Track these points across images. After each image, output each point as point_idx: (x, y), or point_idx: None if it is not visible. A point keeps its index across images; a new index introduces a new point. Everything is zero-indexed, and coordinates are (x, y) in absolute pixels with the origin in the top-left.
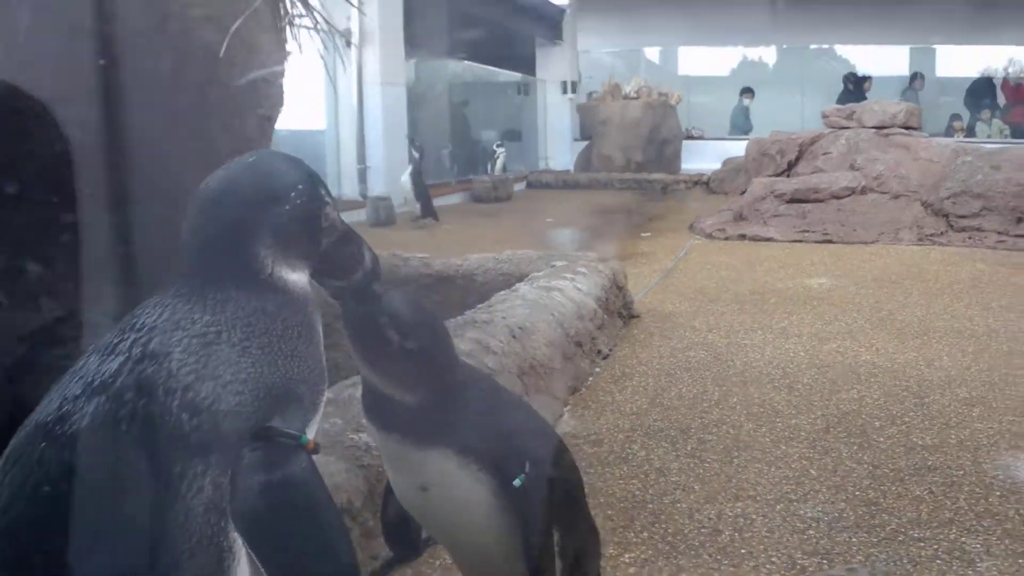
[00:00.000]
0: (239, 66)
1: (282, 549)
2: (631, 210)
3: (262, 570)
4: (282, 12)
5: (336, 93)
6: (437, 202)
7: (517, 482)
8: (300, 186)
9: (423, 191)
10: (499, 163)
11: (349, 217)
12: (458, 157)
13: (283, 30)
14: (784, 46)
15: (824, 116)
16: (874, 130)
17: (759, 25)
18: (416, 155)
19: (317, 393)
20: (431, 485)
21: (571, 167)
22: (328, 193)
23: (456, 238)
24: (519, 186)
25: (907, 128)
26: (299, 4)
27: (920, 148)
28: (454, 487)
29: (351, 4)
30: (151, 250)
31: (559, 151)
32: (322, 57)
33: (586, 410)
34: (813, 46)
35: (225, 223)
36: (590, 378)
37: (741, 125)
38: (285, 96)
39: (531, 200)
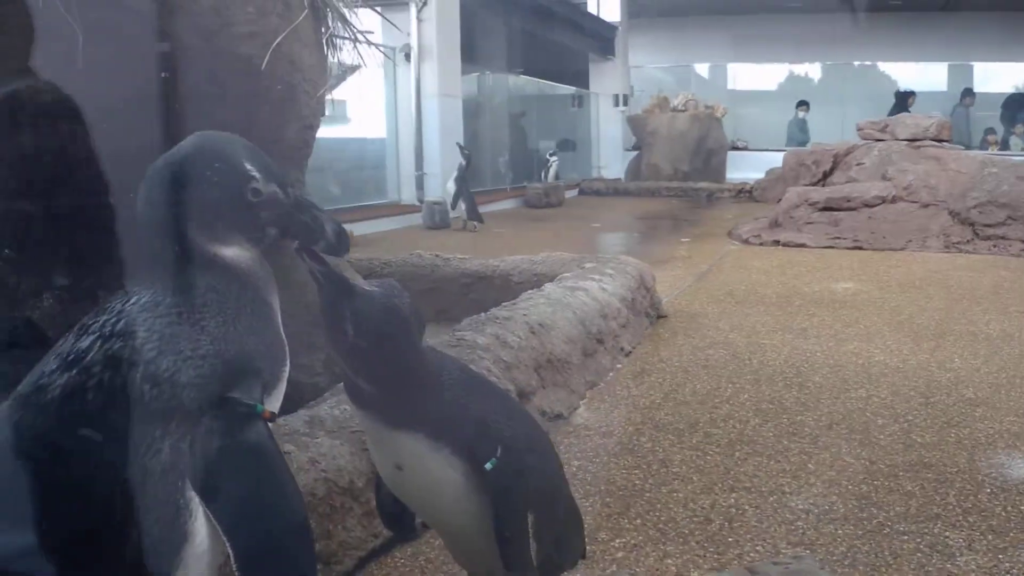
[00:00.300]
0: (281, 79)
1: (237, 509)
2: (675, 217)
3: (218, 527)
4: (324, 29)
5: (396, 104)
6: (492, 207)
7: (489, 465)
8: (216, 164)
9: (467, 196)
10: (552, 171)
11: (407, 220)
12: (514, 165)
13: (324, 45)
14: (828, 62)
15: (859, 129)
16: (906, 142)
17: (805, 42)
18: (463, 162)
19: (277, 366)
20: (405, 465)
21: (622, 176)
22: (262, 168)
23: (504, 241)
24: (571, 193)
25: (938, 141)
26: (339, 22)
27: (950, 159)
28: (427, 468)
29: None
30: None
31: (611, 160)
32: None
33: (601, 403)
34: (856, 63)
35: (156, 207)
36: (610, 374)
37: (797, 137)
38: (326, 107)
39: (581, 207)
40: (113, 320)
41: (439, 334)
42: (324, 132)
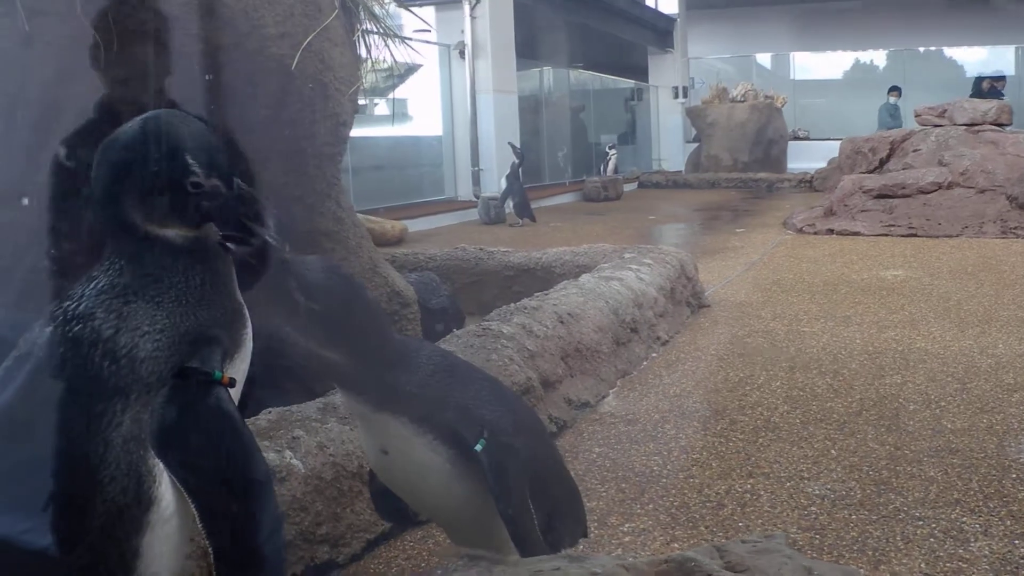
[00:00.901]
0: (312, 78)
1: (198, 471)
2: (733, 208)
3: (182, 490)
4: (355, 28)
5: (452, 101)
6: (550, 201)
7: (479, 447)
8: (156, 153)
9: (518, 193)
10: (611, 164)
11: (463, 216)
12: (574, 159)
13: (356, 44)
14: (892, 49)
15: (917, 115)
16: (964, 127)
17: (869, 29)
18: (516, 160)
19: (236, 332)
20: (390, 449)
21: (683, 168)
22: (206, 159)
23: (559, 235)
24: (631, 186)
25: (999, 125)
26: (368, 19)
27: (1008, 143)
28: (411, 453)
29: (469, 16)
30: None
31: (671, 153)
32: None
33: (631, 392)
34: (921, 48)
35: (99, 184)
36: (644, 362)
37: (887, 123)
38: (359, 103)
39: (640, 199)
40: (74, 305)
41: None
42: (385, 131)
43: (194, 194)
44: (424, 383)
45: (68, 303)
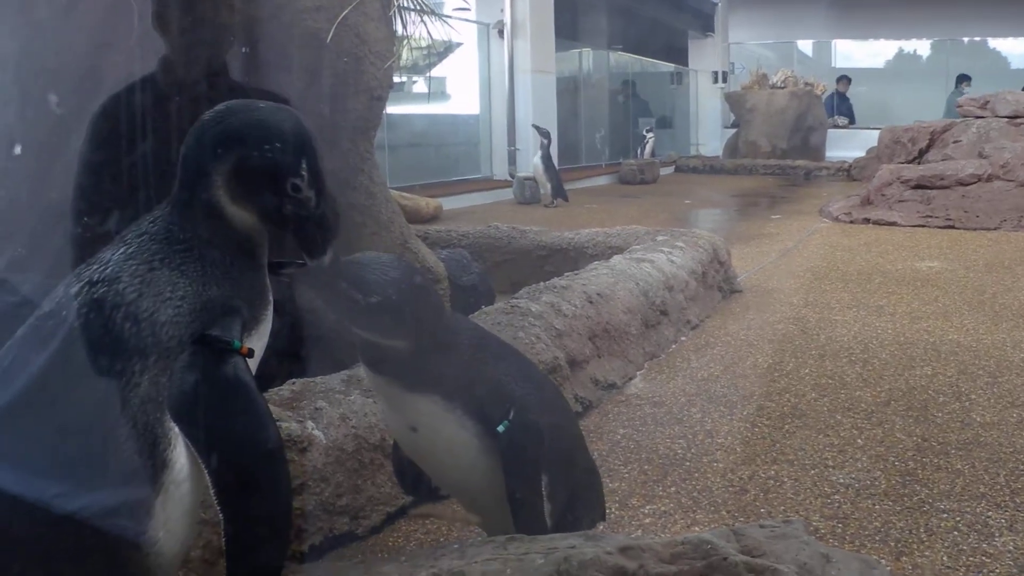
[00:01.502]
0: (347, 52)
1: (212, 438)
2: (769, 195)
3: (195, 454)
4: (393, 2)
5: (490, 81)
6: (586, 183)
7: (501, 428)
8: (277, 144)
9: (553, 174)
10: (648, 147)
11: (498, 195)
12: (612, 141)
13: (392, 20)
14: (937, 39)
15: (958, 106)
16: (1007, 119)
17: (913, 18)
18: (545, 141)
19: (257, 309)
20: (419, 426)
21: (720, 153)
22: (313, 171)
23: (594, 216)
24: (668, 170)
25: None
26: None
27: None
28: (440, 429)
29: None
30: None
31: (709, 138)
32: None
33: (659, 374)
34: (966, 39)
35: (202, 148)
36: (673, 345)
37: (956, 113)
38: (395, 80)
39: (676, 183)
40: (101, 268)
41: None
42: (422, 109)
43: (288, 196)
44: (460, 362)
45: (95, 266)
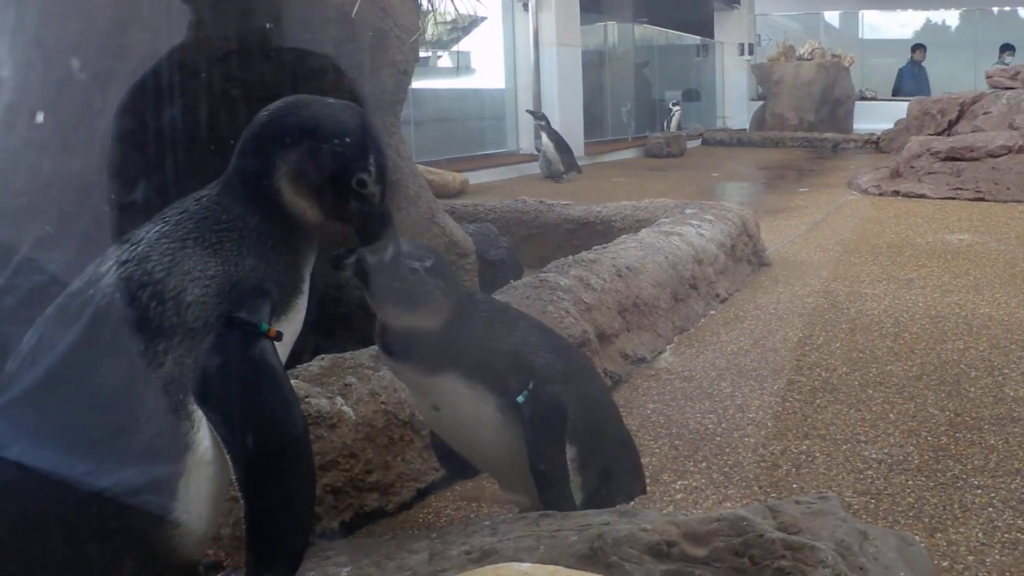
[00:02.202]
0: (372, 26)
1: (236, 421)
2: (797, 167)
3: (218, 438)
4: None
5: (515, 54)
6: (613, 157)
7: (520, 399)
8: (348, 139)
9: (565, 148)
10: (674, 120)
11: (524, 169)
12: (637, 115)
13: None
14: (965, 8)
15: (988, 76)
16: None
17: None
18: (542, 122)
19: (288, 294)
20: (442, 405)
21: (747, 126)
22: (380, 169)
23: (621, 190)
24: (694, 143)
25: None
26: None
27: None
28: (462, 406)
29: None
30: None
31: (736, 110)
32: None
33: (689, 348)
34: (995, 8)
35: (263, 137)
36: (702, 319)
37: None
38: (421, 54)
39: (703, 156)
40: (131, 247)
41: None
42: (448, 84)
43: (353, 191)
44: (477, 337)
45: (128, 244)
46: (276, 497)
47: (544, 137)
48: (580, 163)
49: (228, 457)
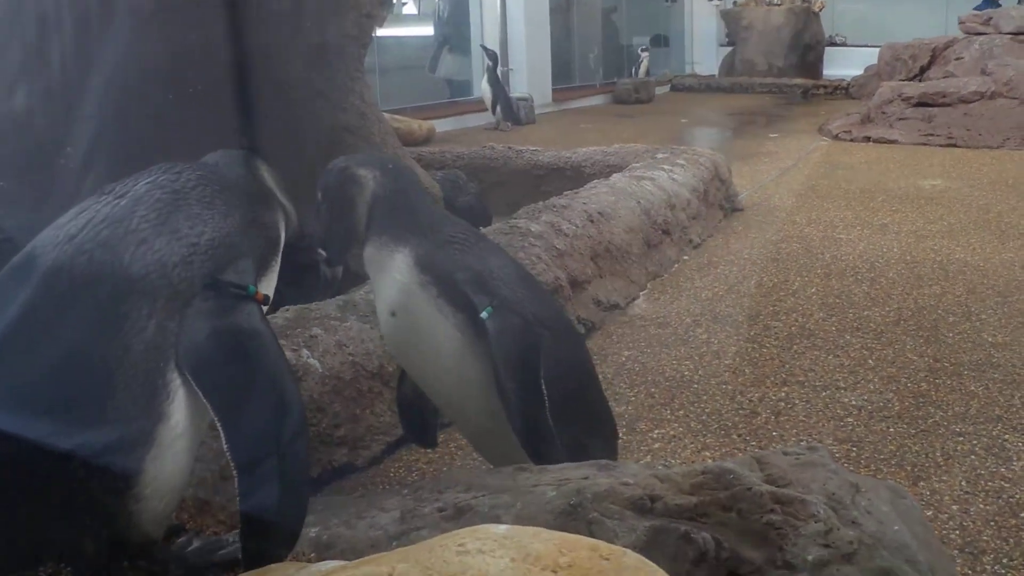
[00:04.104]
0: None
1: (227, 390)
2: (767, 113)
3: (209, 409)
4: None
5: (481, 1)
6: (581, 103)
7: (484, 314)
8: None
9: (502, 96)
10: (643, 67)
11: (491, 116)
12: (605, 61)
13: None
14: None
15: (960, 22)
16: (1011, 36)
17: None
18: (490, 63)
19: (268, 253)
20: (398, 309)
21: (716, 72)
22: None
23: (589, 136)
24: (663, 89)
25: None
26: None
27: None
28: (417, 311)
29: None
30: (264, 137)
31: (705, 56)
32: None
33: (662, 295)
34: None
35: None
36: (675, 265)
37: None
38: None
39: (672, 103)
40: (115, 200)
41: None
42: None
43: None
44: (444, 240)
45: (109, 196)
46: (273, 472)
47: (484, 80)
48: (547, 110)
49: (221, 429)
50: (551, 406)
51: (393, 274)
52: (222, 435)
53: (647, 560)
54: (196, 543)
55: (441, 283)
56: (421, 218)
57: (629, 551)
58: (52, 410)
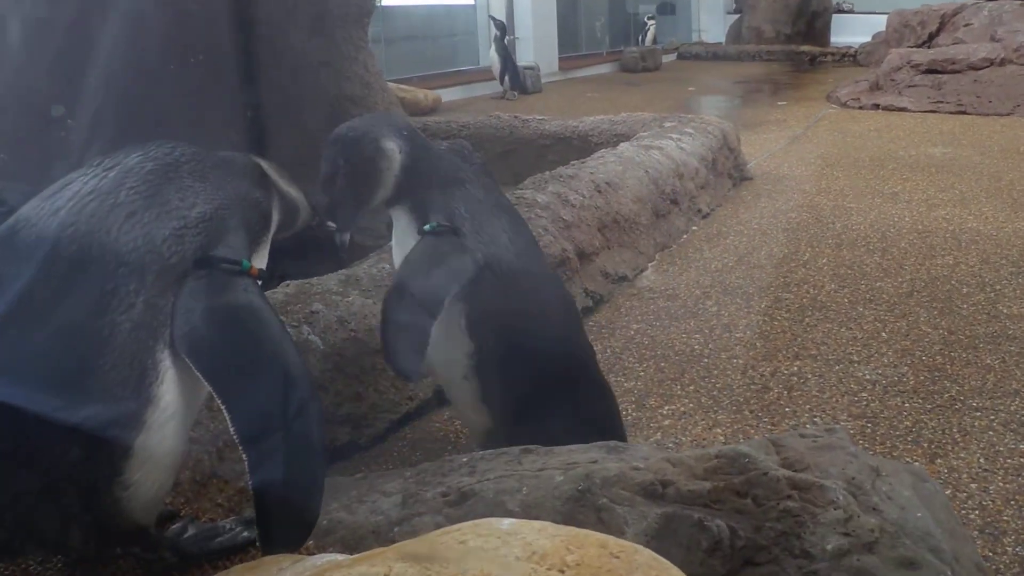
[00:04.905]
0: None
1: (230, 369)
2: (774, 81)
3: (212, 391)
4: None
5: None
6: (587, 71)
7: (428, 227)
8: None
9: (511, 65)
10: (649, 35)
11: (497, 85)
12: (612, 29)
13: None
14: None
15: None
16: (1020, 2)
17: None
18: (497, 32)
19: (261, 228)
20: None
21: (723, 39)
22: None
23: (596, 105)
24: (669, 57)
25: None
26: None
27: None
28: (401, 236)
29: None
30: (268, 107)
31: (712, 24)
32: None
33: (671, 266)
34: None
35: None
36: (684, 235)
37: None
38: None
39: (678, 71)
40: (103, 172)
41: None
42: (418, 0)
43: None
44: (441, 183)
45: (98, 169)
46: (283, 456)
47: (492, 50)
48: (554, 79)
49: (225, 410)
50: (508, 358)
51: (416, 234)
52: (227, 417)
53: (660, 557)
54: (192, 530)
55: (419, 209)
56: (448, 179)
57: (641, 547)
58: (35, 392)
